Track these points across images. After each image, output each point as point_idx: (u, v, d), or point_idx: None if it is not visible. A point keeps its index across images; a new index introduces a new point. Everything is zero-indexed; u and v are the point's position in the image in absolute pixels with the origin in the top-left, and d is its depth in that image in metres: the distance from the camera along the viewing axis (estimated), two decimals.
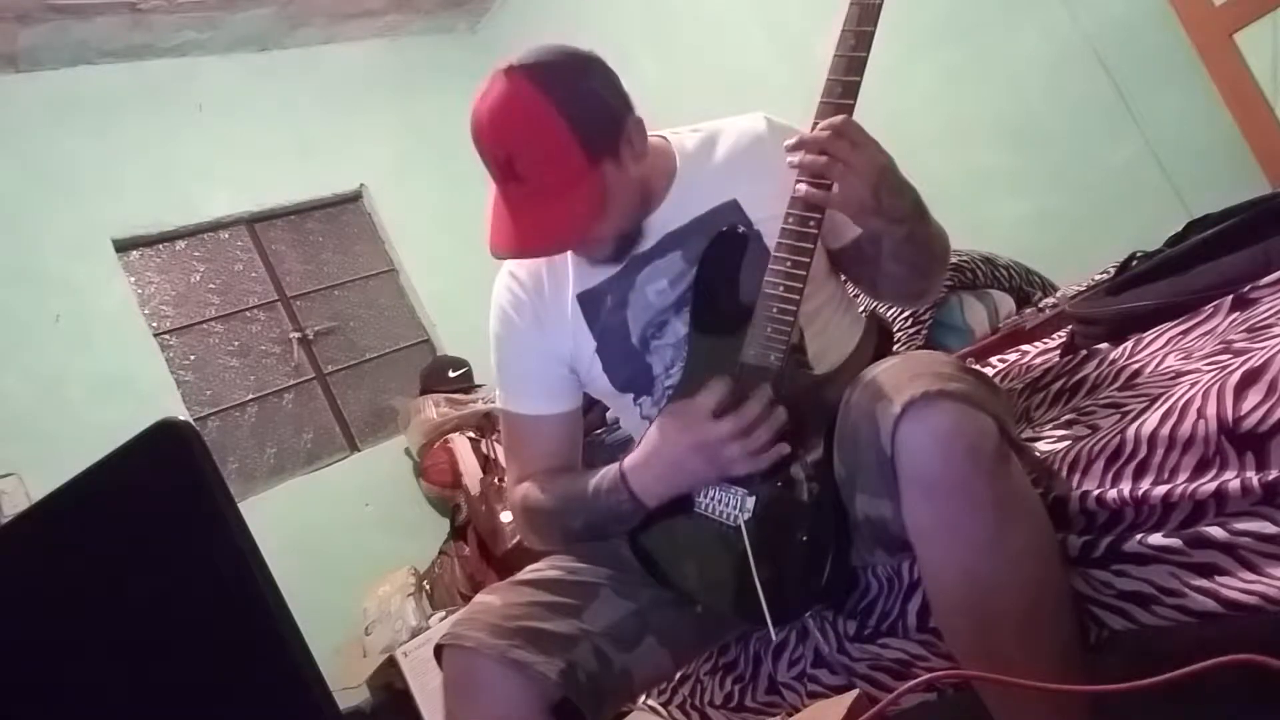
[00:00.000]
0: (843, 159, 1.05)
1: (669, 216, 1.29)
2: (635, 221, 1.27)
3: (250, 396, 3.82)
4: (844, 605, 1.17)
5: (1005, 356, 1.70)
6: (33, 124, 3.52)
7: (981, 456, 0.92)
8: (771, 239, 1.17)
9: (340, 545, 3.58)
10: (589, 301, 1.30)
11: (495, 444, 3.69)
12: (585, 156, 1.15)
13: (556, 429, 1.36)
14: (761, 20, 3.62)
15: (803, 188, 1.09)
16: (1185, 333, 1.25)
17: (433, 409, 3.79)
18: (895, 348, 1.33)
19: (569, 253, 1.33)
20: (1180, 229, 1.60)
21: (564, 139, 1.13)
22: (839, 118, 1.06)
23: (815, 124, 1.09)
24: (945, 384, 0.95)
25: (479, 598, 1.22)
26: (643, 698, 1.40)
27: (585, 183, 1.16)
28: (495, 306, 1.38)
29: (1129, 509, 0.97)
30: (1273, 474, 0.86)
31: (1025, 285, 2.54)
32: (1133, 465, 0.98)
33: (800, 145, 1.07)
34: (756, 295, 1.14)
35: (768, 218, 1.23)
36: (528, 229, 1.18)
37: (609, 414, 2.69)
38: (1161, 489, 0.93)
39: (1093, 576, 0.98)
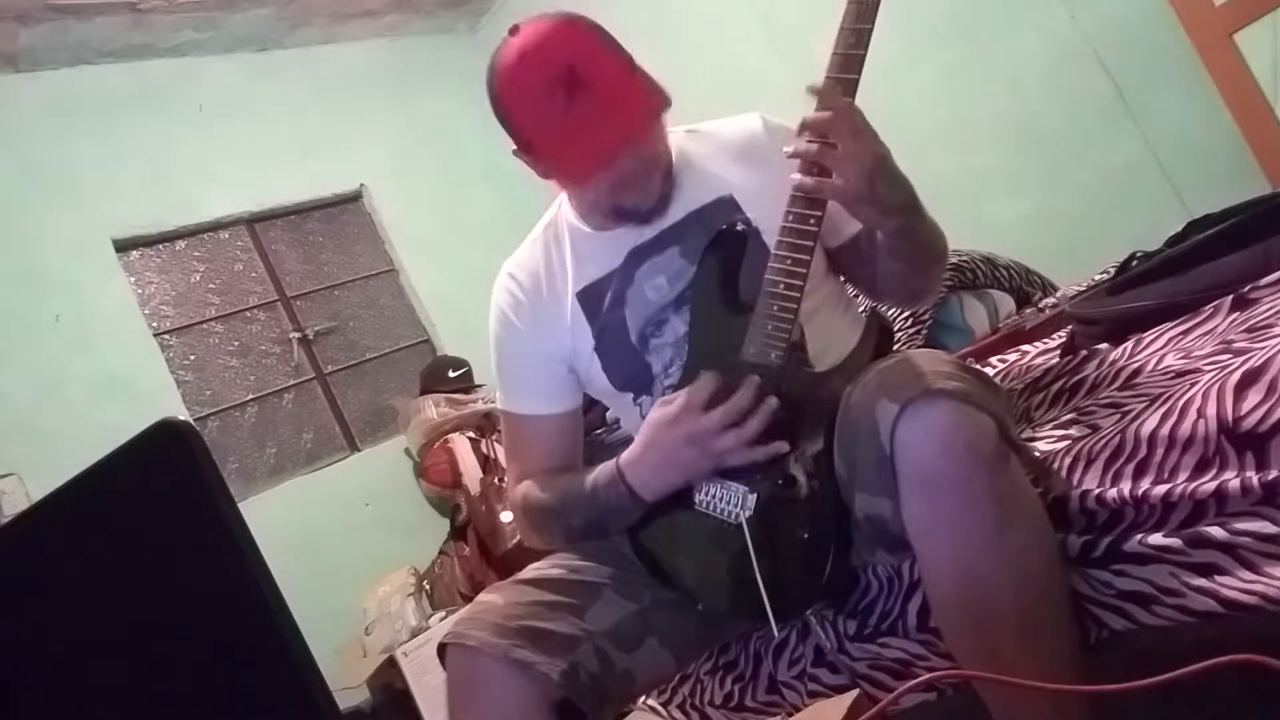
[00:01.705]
0: (841, 143, 1.06)
1: (666, 213, 1.29)
2: (669, 174, 1.27)
3: (250, 396, 3.82)
4: (845, 604, 1.17)
5: (1005, 356, 1.70)
6: (33, 124, 3.52)
7: (980, 455, 0.92)
8: (768, 235, 1.18)
9: (340, 545, 3.58)
10: (588, 298, 1.31)
11: (495, 444, 3.69)
12: (625, 64, 1.18)
13: (556, 429, 1.36)
14: (761, 20, 3.62)
15: (800, 176, 1.10)
16: (1185, 333, 1.25)
17: (433, 409, 3.79)
18: (895, 347, 1.33)
19: (568, 249, 1.33)
20: (1180, 229, 1.60)
21: (605, 46, 1.17)
22: (843, 101, 1.07)
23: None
24: (944, 382, 0.95)
25: (482, 596, 1.22)
26: (643, 697, 1.40)
27: (634, 83, 1.18)
28: (495, 308, 1.38)
29: (1129, 509, 0.97)
30: (1273, 474, 0.86)
31: (1025, 285, 2.54)
32: (1133, 465, 0.98)
33: (802, 128, 1.08)
34: (756, 293, 1.14)
35: (764, 214, 1.24)
36: (619, 124, 1.16)
37: (609, 414, 2.69)
38: (1161, 489, 0.93)
39: (1093, 576, 0.98)
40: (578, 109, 1.13)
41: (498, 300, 1.38)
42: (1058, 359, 1.44)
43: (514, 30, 1.18)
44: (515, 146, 1.24)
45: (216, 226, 3.95)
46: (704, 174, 1.30)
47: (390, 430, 4.04)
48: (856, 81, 1.09)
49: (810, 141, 1.08)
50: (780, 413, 1.11)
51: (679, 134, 1.37)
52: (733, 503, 1.14)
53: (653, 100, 1.18)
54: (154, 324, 3.67)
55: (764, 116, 1.36)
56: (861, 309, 1.42)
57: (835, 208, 1.15)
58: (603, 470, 1.23)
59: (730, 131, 1.35)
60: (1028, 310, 2.39)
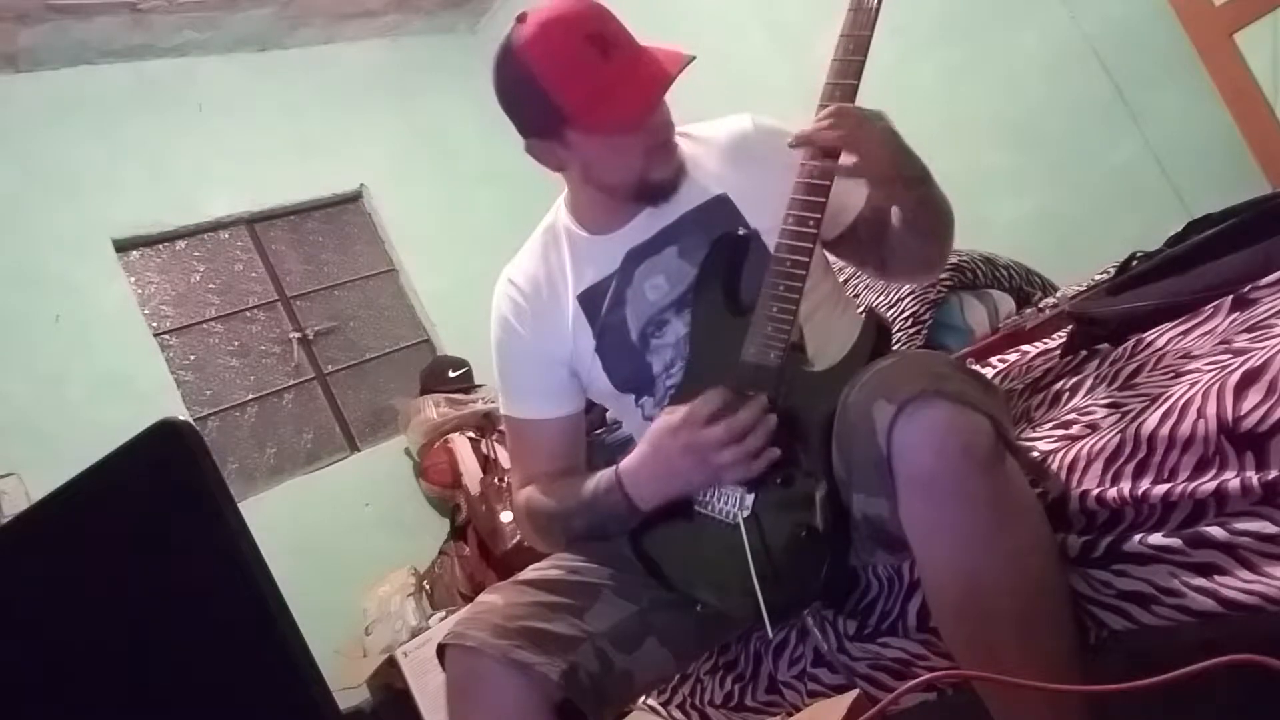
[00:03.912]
0: (850, 132, 1.09)
1: (662, 212, 1.29)
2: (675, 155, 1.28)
3: (250, 396, 3.82)
4: (844, 604, 1.17)
5: (1005, 356, 1.70)
6: (33, 124, 3.52)
7: (977, 455, 0.92)
8: (765, 233, 1.19)
9: (340, 545, 3.58)
10: (589, 300, 1.31)
11: (495, 444, 3.69)
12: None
13: (559, 432, 1.36)
14: (761, 19, 3.63)
15: (819, 164, 1.12)
16: (1185, 333, 1.25)
17: (433, 409, 3.79)
18: (895, 347, 1.34)
19: (566, 254, 1.34)
20: (1180, 229, 1.60)
21: (615, 15, 1.20)
22: (830, 107, 1.10)
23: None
24: (941, 383, 0.95)
25: (482, 597, 1.22)
26: (643, 697, 1.40)
27: (649, 45, 1.22)
28: (495, 313, 1.38)
29: (1129, 508, 0.96)
30: (1273, 474, 0.86)
31: (1025, 285, 2.55)
32: (1132, 465, 0.98)
33: (804, 140, 1.10)
34: (756, 295, 1.15)
35: (758, 213, 1.26)
36: (656, 66, 1.18)
37: (609, 414, 2.69)
38: (1161, 488, 0.93)
39: (1093, 576, 0.98)
40: (614, 61, 1.16)
41: (499, 306, 1.38)
42: (1058, 359, 1.44)
43: (522, 17, 1.18)
44: (536, 131, 1.23)
45: (216, 226, 3.95)
46: (698, 174, 1.31)
47: (390, 430, 4.04)
48: (856, 87, 1.11)
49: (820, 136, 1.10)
50: (779, 419, 1.11)
51: None
52: (731, 503, 1.14)
53: (676, 52, 1.20)
54: (154, 324, 3.67)
55: (754, 117, 1.37)
56: (860, 309, 1.43)
57: (832, 201, 1.16)
58: (602, 476, 1.23)
59: (721, 132, 1.36)
60: (1028, 310, 2.39)
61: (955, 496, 0.92)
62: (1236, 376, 0.94)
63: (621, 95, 1.16)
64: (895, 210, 1.22)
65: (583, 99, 1.16)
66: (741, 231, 1.26)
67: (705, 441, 1.11)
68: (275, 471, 3.78)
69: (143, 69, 3.83)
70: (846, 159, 1.12)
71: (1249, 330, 1.13)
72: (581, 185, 1.31)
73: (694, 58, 1.18)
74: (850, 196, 1.30)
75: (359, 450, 3.98)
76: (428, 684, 2.96)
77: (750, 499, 1.12)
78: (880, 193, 1.19)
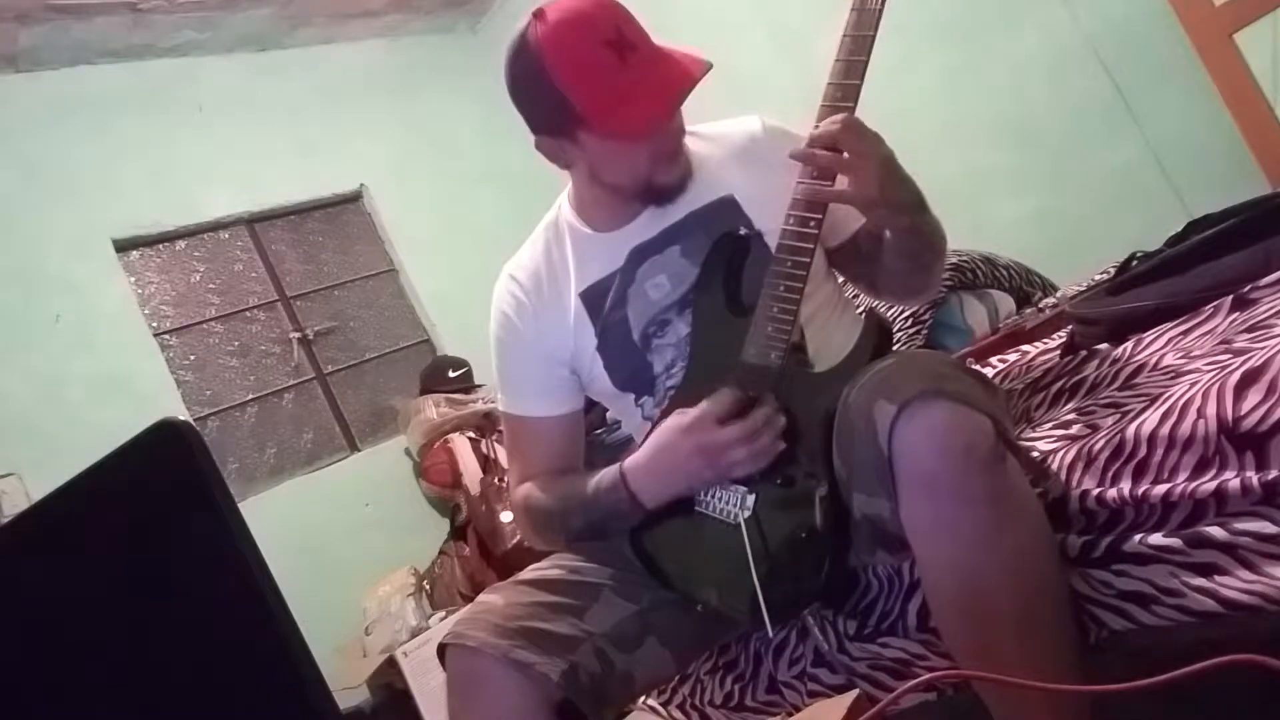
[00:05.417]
0: (851, 151, 1.07)
1: (666, 210, 1.29)
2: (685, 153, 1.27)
3: (250, 396, 3.82)
4: (844, 604, 1.17)
5: (1005, 357, 1.70)
6: (33, 124, 3.51)
7: (977, 455, 0.92)
8: (768, 236, 1.19)
9: (340, 545, 3.58)
10: (591, 298, 1.31)
11: (495, 444, 3.69)
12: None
13: (558, 431, 1.36)
14: (762, 20, 3.62)
15: (808, 185, 1.11)
16: (1185, 333, 1.25)
17: (433, 409, 3.79)
18: (895, 347, 1.34)
19: (569, 250, 1.34)
20: (1180, 229, 1.60)
21: (633, 16, 1.19)
22: (841, 115, 1.09)
23: (816, 127, 1.10)
24: (942, 383, 0.95)
25: (482, 597, 1.22)
26: (643, 697, 1.40)
27: (668, 47, 1.21)
28: (496, 310, 1.38)
29: (1129, 508, 0.97)
30: (1272, 474, 0.86)
31: (1025, 285, 2.54)
32: (1132, 465, 0.98)
33: (812, 143, 1.09)
34: (758, 295, 1.15)
35: (763, 215, 1.26)
36: (674, 72, 1.17)
37: (609, 414, 2.69)
38: (1161, 488, 0.93)
39: (1093, 576, 0.98)
40: (631, 66, 1.15)
41: (499, 302, 1.38)
42: (1058, 359, 1.44)
43: (539, 13, 1.17)
44: (548, 129, 1.23)
45: (216, 226, 3.94)
46: (705, 174, 1.30)
47: (390, 430, 4.04)
48: (859, 88, 1.10)
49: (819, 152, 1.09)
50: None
51: None
52: (732, 503, 1.14)
53: (695, 58, 1.19)
54: (154, 324, 3.66)
55: (763, 119, 1.37)
56: (860, 310, 1.43)
57: (836, 208, 1.16)
58: (606, 474, 1.23)
59: (730, 133, 1.36)
60: (1028, 310, 2.39)
61: (956, 496, 0.92)
62: (1236, 376, 0.94)
63: (636, 102, 1.15)
64: (886, 232, 1.21)
65: (598, 104, 1.16)
66: (743, 231, 1.26)
67: (718, 442, 1.11)
68: (275, 471, 3.77)
69: (143, 69, 3.83)
70: (840, 182, 1.11)
71: (1249, 330, 1.13)
72: (587, 183, 1.31)
73: (711, 65, 1.17)
74: None
75: (359, 450, 3.97)
76: (428, 684, 2.96)
77: (751, 499, 1.12)
78: (868, 216, 1.18)
